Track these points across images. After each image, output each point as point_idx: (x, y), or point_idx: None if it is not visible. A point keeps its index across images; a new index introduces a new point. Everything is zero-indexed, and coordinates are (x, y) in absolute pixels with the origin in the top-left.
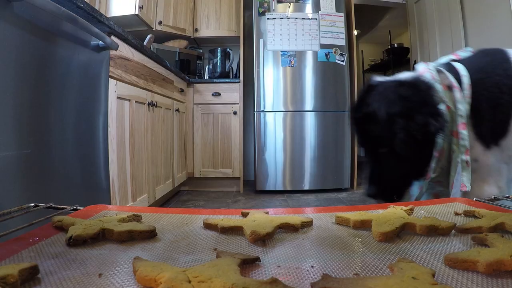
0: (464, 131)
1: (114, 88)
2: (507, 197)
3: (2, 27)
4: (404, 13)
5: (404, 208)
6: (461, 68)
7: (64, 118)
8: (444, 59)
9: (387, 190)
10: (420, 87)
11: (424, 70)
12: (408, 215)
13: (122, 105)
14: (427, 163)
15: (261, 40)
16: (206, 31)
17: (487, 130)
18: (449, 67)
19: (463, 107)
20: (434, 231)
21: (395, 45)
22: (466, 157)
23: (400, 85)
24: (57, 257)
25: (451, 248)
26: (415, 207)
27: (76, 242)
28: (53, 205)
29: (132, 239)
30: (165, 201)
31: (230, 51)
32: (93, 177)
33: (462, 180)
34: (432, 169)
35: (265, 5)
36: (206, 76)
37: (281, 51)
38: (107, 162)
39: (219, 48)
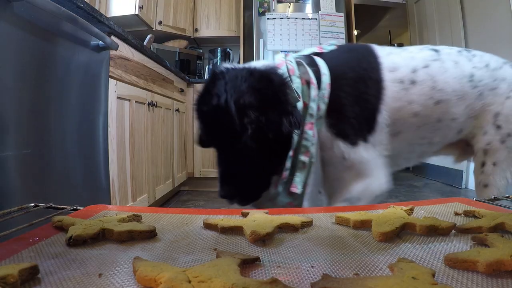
0: (309, 131)
1: (114, 88)
2: (507, 197)
3: (2, 27)
4: (404, 13)
5: (404, 208)
6: (322, 65)
7: (64, 118)
8: (307, 51)
9: (242, 190)
10: (274, 81)
11: (282, 62)
12: (408, 215)
13: (122, 105)
14: (283, 162)
15: (261, 40)
16: (206, 31)
17: (350, 128)
18: (311, 60)
19: (315, 106)
20: (434, 231)
21: (395, 45)
22: (304, 158)
23: (252, 75)
24: (57, 257)
25: (451, 248)
26: (415, 207)
27: (76, 242)
28: (53, 205)
29: (132, 239)
30: (165, 201)
31: (230, 51)
32: (93, 177)
33: (295, 180)
34: (287, 168)
35: (265, 5)
36: (206, 76)
37: (281, 51)
38: (107, 162)
39: (219, 48)
